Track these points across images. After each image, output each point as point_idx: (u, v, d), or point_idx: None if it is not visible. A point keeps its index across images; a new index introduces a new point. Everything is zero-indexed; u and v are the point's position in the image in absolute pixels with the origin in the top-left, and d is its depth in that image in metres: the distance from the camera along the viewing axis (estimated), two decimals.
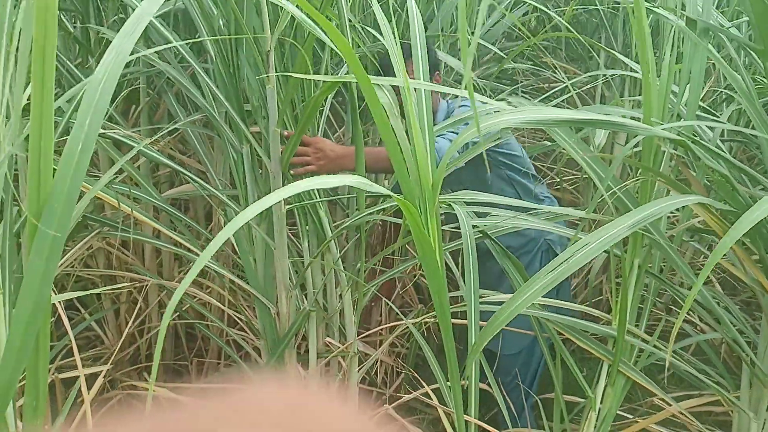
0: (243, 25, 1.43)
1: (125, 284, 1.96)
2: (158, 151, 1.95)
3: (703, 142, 1.26)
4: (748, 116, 2.13)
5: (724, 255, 1.35)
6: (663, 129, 1.16)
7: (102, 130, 1.67)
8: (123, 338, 1.83)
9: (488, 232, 1.45)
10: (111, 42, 0.79)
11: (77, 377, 1.32)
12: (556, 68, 2.52)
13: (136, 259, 2.05)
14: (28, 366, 0.77)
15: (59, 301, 1.40)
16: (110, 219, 1.75)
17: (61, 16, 1.92)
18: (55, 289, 1.65)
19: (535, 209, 1.60)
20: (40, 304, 0.70)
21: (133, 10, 0.84)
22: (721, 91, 2.21)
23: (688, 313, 2.34)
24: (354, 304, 1.71)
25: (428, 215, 0.98)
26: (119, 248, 2.01)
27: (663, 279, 1.35)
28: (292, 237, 1.77)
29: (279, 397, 0.31)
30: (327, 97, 1.65)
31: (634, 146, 1.31)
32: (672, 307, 2.51)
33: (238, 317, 1.77)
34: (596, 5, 2.43)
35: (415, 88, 1.15)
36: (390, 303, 1.76)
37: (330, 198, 1.71)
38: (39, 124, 0.70)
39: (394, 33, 1.17)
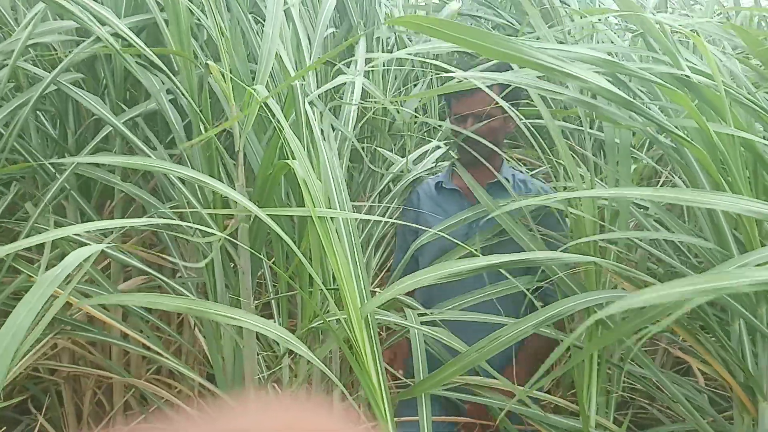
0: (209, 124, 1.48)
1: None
2: (131, 247, 1.95)
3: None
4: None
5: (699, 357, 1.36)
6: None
7: (76, 236, 1.65)
8: None
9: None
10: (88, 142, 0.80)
11: None
12: (524, 162, 2.62)
13: (102, 356, 1.99)
14: None
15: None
16: (77, 320, 1.71)
17: (41, 115, 1.97)
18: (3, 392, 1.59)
19: None
20: None
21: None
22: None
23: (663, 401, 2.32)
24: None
25: (356, 335, 0.97)
26: (84, 346, 1.96)
27: (621, 367, 1.37)
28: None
29: (276, 417, 0.31)
30: None
31: None
32: (642, 388, 2.48)
33: None
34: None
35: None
36: (356, 406, 1.72)
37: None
38: None
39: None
